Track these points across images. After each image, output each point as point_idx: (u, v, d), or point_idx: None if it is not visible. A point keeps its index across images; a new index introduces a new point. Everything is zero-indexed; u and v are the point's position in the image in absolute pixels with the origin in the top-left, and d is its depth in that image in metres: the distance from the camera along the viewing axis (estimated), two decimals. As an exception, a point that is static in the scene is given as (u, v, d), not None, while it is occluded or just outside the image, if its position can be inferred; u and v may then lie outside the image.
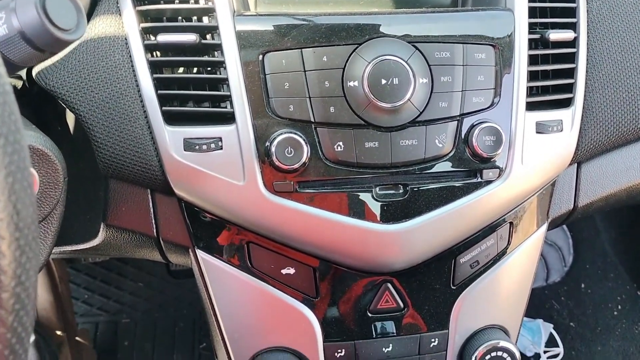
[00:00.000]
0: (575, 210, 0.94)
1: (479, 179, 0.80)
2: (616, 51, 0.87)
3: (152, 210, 0.82)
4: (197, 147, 0.74)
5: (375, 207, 0.78)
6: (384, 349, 0.86)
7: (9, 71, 0.58)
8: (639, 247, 1.74)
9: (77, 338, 1.59)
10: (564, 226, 1.93)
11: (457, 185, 0.80)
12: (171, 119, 0.75)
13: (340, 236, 0.78)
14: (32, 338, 1.41)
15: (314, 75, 0.74)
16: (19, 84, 0.79)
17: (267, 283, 0.82)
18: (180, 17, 0.76)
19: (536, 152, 0.82)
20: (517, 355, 0.87)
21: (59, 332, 1.52)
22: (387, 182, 0.78)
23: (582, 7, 0.85)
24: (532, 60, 0.82)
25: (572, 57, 0.84)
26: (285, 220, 0.77)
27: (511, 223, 0.87)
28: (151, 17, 0.75)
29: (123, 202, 0.81)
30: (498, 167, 0.80)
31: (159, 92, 0.74)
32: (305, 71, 0.74)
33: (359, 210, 0.78)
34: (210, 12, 0.75)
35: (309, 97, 0.74)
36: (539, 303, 1.85)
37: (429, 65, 0.76)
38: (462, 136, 0.78)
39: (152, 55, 0.75)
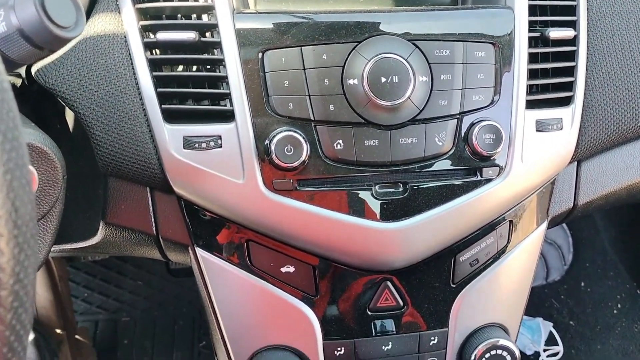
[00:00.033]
0: (575, 209, 0.94)
1: (479, 177, 0.80)
2: (616, 49, 0.87)
3: (151, 208, 0.81)
4: (196, 145, 0.74)
5: (375, 206, 0.78)
6: (383, 347, 0.86)
7: (7, 69, 0.58)
8: (638, 245, 1.74)
9: (76, 336, 1.60)
10: (564, 225, 1.93)
11: (456, 183, 0.80)
12: (170, 117, 0.74)
13: (340, 234, 0.78)
14: (32, 336, 1.41)
15: (314, 73, 0.74)
16: (19, 82, 0.79)
17: (266, 281, 0.82)
18: (179, 15, 0.76)
19: (536, 151, 0.81)
20: (517, 353, 0.87)
21: (58, 331, 1.52)
22: (387, 181, 0.78)
23: (582, 5, 0.85)
24: (532, 58, 0.82)
25: (572, 55, 0.84)
26: (285, 219, 0.77)
27: (511, 221, 0.87)
28: (150, 15, 0.75)
29: (122, 200, 0.81)
30: (498, 166, 0.80)
31: (159, 90, 0.74)
32: (304, 69, 0.74)
33: (358, 209, 0.78)
34: (209, 9, 0.75)
35: (309, 95, 0.74)
36: (539, 302, 1.85)
37: (428, 63, 0.76)
38: (462, 134, 0.78)
39: (152, 53, 0.75)
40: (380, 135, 0.76)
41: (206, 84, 0.76)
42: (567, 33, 0.83)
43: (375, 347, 0.85)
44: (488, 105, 0.79)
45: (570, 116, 0.83)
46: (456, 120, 0.78)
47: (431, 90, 0.76)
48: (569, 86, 0.84)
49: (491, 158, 0.79)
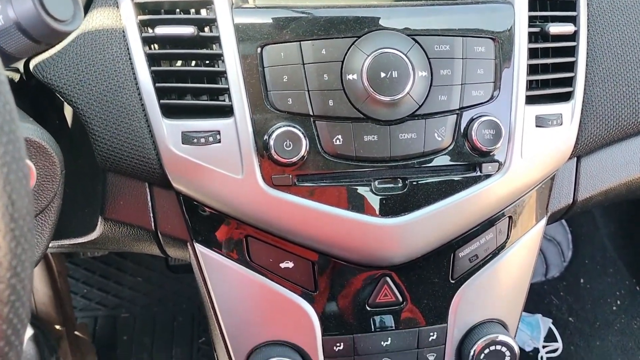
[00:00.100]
0: (574, 205, 0.94)
1: (478, 173, 0.80)
2: (616, 45, 0.87)
3: (150, 203, 0.81)
4: (195, 140, 0.73)
5: (374, 201, 0.78)
6: (382, 343, 0.86)
7: (5, 62, 0.58)
8: (638, 242, 1.74)
9: (76, 332, 1.60)
10: (563, 221, 1.93)
11: (456, 179, 0.80)
12: (169, 112, 0.74)
13: (339, 230, 0.78)
14: (31, 332, 1.41)
15: (313, 68, 0.74)
16: (17, 77, 0.79)
17: (265, 277, 0.82)
18: (178, 10, 0.76)
19: (536, 146, 0.81)
20: (516, 349, 0.87)
21: (58, 327, 1.52)
22: (386, 176, 0.78)
23: (582, 0, 0.85)
24: (532, 53, 0.82)
25: (572, 51, 0.84)
26: (284, 214, 0.77)
27: (510, 217, 0.87)
28: (149, 10, 0.75)
29: (121, 196, 0.81)
30: (497, 161, 0.80)
31: (157, 85, 0.73)
32: (304, 64, 0.74)
33: (357, 204, 0.77)
34: (208, 4, 0.74)
35: (308, 90, 0.74)
36: (538, 298, 1.85)
37: (428, 59, 0.76)
38: (462, 130, 0.78)
39: (150, 48, 0.74)
40: (380, 130, 0.76)
41: (205, 79, 0.75)
42: (567, 28, 0.83)
43: (375, 343, 0.86)
44: (488, 101, 0.79)
45: (570, 112, 0.83)
46: (456, 115, 0.78)
47: (431, 85, 0.76)
48: (569, 82, 0.84)
49: (491, 154, 0.79)
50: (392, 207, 0.78)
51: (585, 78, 0.85)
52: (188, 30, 0.72)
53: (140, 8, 0.74)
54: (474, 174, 0.80)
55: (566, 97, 0.84)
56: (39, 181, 0.65)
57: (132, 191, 0.81)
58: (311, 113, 0.74)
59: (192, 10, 0.76)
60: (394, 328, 0.86)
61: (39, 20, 0.52)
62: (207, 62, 0.76)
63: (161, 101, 0.74)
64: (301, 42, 0.73)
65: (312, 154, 0.75)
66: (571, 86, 0.84)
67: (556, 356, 1.71)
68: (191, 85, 0.75)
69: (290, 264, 0.82)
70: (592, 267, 1.85)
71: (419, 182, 0.79)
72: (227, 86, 0.74)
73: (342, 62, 0.74)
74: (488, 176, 0.80)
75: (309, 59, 0.74)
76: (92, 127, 0.74)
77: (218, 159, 0.74)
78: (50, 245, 0.74)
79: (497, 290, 0.90)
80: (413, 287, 0.85)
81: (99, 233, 0.83)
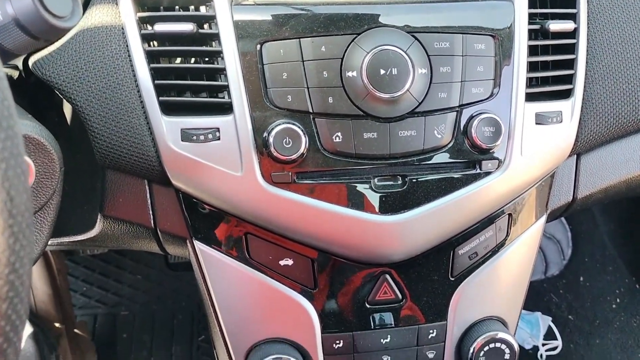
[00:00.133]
0: (574, 202, 0.94)
1: (478, 170, 0.80)
2: (616, 42, 0.86)
3: (149, 201, 0.81)
4: (194, 137, 0.73)
5: (373, 198, 0.78)
6: (382, 340, 0.86)
7: (3, 59, 0.58)
8: (637, 240, 1.74)
9: (75, 330, 1.60)
10: (563, 219, 1.93)
11: (456, 176, 0.79)
12: (168, 109, 0.74)
13: (338, 227, 0.78)
14: (31, 330, 1.41)
15: (312, 66, 0.73)
16: (16, 74, 0.79)
17: (265, 274, 0.82)
18: (177, 7, 0.76)
19: (535, 144, 0.81)
20: (516, 346, 0.87)
21: (57, 325, 1.52)
22: (386, 173, 0.78)
23: (582, -3, 0.85)
24: (532, 51, 0.82)
25: (572, 48, 0.84)
26: (284, 211, 0.77)
27: (510, 215, 0.87)
28: (148, 7, 0.75)
29: (120, 193, 0.81)
30: (497, 159, 0.80)
31: (156, 82, 0.73)
32: (303, 61, 0.73)
33: (357, 201, 0.77)
34: (207, 1, 0.74)
35: (307, 88, 0.74)
36: (538, 296, 1.85)
37: (428, 56, 0.75)
38: (461, 127, 0.78)
39: (149, 45, 0.74)
40: (379, 127, 0.75)
41: (204, 76, 0.75)
42: (567, 25, 0.83)
43: (374, 340, 0.85)
44: (487, 98, 0.79)
45: (570, 109, 0.83)
46: (455, 112, 0.78)
47: (430, 82, 0.76)
48: (569, 79, 0.84)
49: (490, 151, 0.79)
50: (391, 204, 0.78)
51: (585, 75, 0.84)
52: (187, 27, 0.72)
53: (140, 5, 0.74)
54: (473, 172, 0.80)
55: (566, 94, 0.84)
56: (37, 178, 0.65)
57: (132, 188, 0.81)
58: (311, 110, 0.74)
59: (192, 7, 0.76)
60: (393, 325, 0.86)
61: (38, 16, 0.52)
62: (207, 59, 0.76)
63: (160, 98, 0.73)
64: (301, 39, 0.73)
65: (312, 152, 0.75)
66: (571, 83, 0.83)
67: (556, 354, 1.72)
68: (190, 83, 0.75)
69: (289, 262, 0.82)
70: (591, 265, 1.85)
71: (419, 180, 0.78)
72: (226, 83, 0.73)
73: (342, 59, 0.74)
74: (488, 174, 0.80)
75: (308, 56, 0.73)
76: (91, 124, 0.74)
77: (217, 156, 0.74)
78: (49, 242, 0.74)
79: (497, 288, 0.90)
80: (413, 285, 0.85)
81: (98, 230, 0.83)
